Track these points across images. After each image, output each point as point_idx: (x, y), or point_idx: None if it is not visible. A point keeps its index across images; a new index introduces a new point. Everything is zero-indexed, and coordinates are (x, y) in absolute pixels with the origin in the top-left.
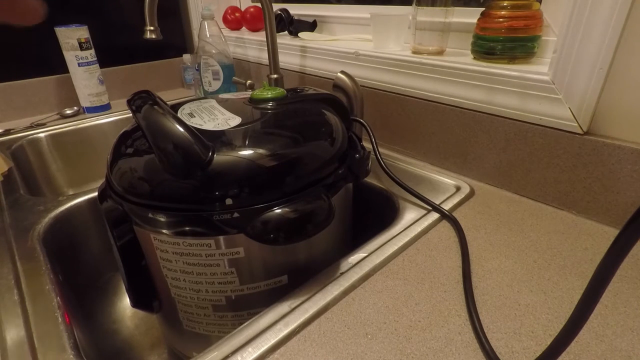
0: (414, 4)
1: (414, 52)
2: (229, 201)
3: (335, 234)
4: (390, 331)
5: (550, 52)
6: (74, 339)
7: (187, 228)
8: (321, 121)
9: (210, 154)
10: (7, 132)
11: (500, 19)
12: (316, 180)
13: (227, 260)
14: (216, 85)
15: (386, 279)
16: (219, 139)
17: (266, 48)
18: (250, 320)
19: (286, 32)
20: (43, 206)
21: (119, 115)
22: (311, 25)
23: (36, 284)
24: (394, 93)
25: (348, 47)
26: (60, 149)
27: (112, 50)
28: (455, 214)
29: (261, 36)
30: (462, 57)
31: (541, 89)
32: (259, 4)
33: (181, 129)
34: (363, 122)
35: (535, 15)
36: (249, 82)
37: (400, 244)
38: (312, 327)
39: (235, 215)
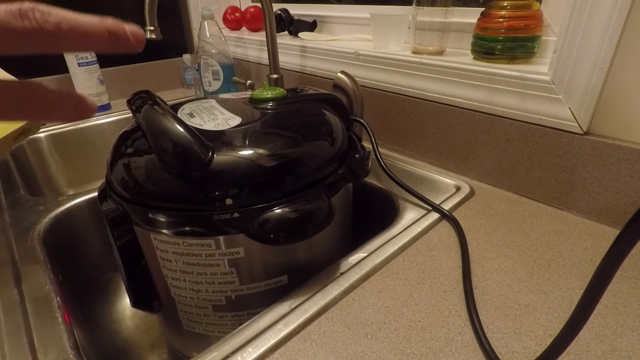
0: (414, 4)
1: (414, 52)
2: (229, 201)
3: (335, 234)
4: (390, 331)
5: (550, 52)
6: (74, 339)
7: (187, 228)
8: (321, 121)
9: (210, 153)
10: None
11: (500, 19)
12: (316, 180)
13: (227, 260)
14: (216, 85)
15: (386, 279)
16: (219, 139)
17: (266, 48)
18: (250, 320)
19: (286, 32)
20: (43, 206)
21: (119, 115)
22: (311, 25)
23: (36, 284)
24: (394, 93)
25: (348, 47)
26: (60, 149)
27: None
28: (455, 214)
29: (261, 36)
30: (462, 57)
31: (541, 89)
32: (259, 4)
33: (181, 129)
34: (363, 122)
35: (535, 15)
36: (249, 82)
37: (400, 244)
38: (312, 327)
39: (235, 215)
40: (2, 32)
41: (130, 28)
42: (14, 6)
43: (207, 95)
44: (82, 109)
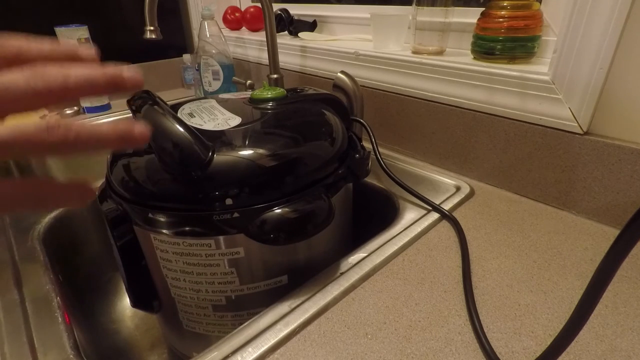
0: (414, 4)
1: (414, 52)
2: (229, 201)
3: (335, 234)
4: (390, 331)
5: (550, 52)
6: (74, 339)
7: (187, 228)
8: (321, 121)
9: (210, 153)
10: None
11: (500, 19)
12: (316, 180)
13: (227, 260)
14: (216, 85)
15: (386, 279)
16: (219, 139)
17: (266, 48)
18: (250, 320)
19: (286, 32)
20: None
21: (119, 115)
22: (311, 25)
23: (36, 284)
24: (394, 93)
25: (348, 47)
26: None
27: (112, 50)
28: (455, 214)
29: (261, 36)
30: (462, 57)
31: (541, 89)
32: (259, 4)
33: (181, 129)
34: (363, 122)
35: (535, 15)
36: (249, 82)
37: (400, 244)
38: (312, 327)
39: (235, 215)
40: (32, 143)
41: (139, 128)
42: (42, 122)
43: (207, 95)
44: (85, 196)
